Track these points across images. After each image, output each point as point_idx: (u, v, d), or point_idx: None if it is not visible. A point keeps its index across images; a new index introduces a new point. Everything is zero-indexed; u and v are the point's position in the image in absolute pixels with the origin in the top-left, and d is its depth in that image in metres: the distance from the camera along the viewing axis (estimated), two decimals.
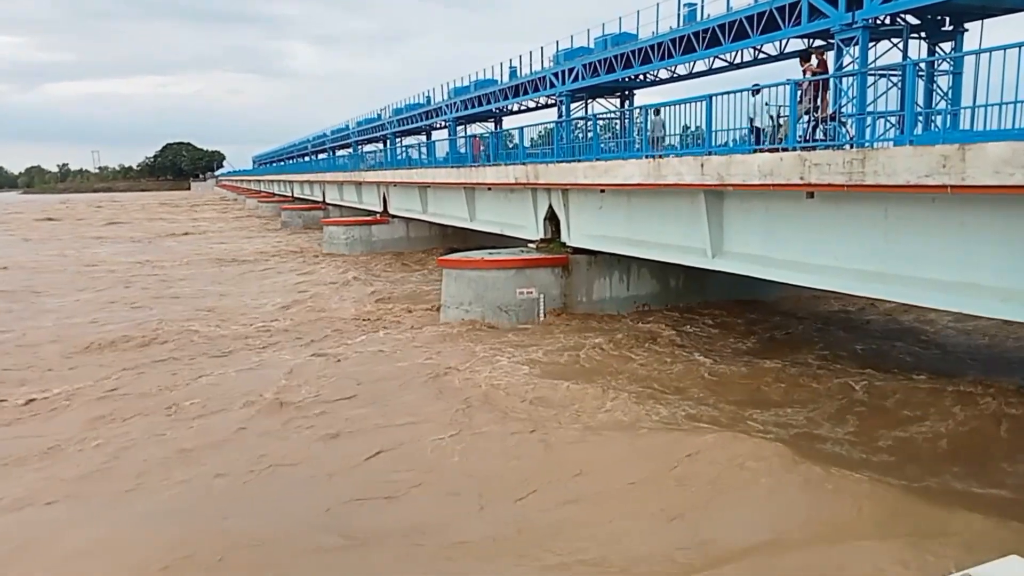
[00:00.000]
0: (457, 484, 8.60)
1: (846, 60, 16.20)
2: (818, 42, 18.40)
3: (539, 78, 31.97)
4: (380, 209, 35.27)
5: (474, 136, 26.77)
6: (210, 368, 13.93)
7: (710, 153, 11.70)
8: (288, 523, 7.75)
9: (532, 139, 21.12)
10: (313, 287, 23.81)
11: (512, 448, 9.61)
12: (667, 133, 13.94)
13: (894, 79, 12.58)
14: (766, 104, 11.54)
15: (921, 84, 15.19)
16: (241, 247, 37.85)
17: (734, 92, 11.51)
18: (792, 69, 16.56)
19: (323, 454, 9.69)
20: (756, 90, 11.62)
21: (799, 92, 10.75)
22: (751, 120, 11.77)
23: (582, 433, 9.92)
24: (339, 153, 64.88)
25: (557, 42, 30.79)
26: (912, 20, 16.53)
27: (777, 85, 11.13)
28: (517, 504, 8.04)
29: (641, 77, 27.58)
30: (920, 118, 12.77)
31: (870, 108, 13.14)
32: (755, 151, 11.07)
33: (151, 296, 22.56)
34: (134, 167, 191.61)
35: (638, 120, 16.21)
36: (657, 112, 14.24)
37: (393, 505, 8.16)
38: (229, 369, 13.82)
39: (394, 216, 33.89)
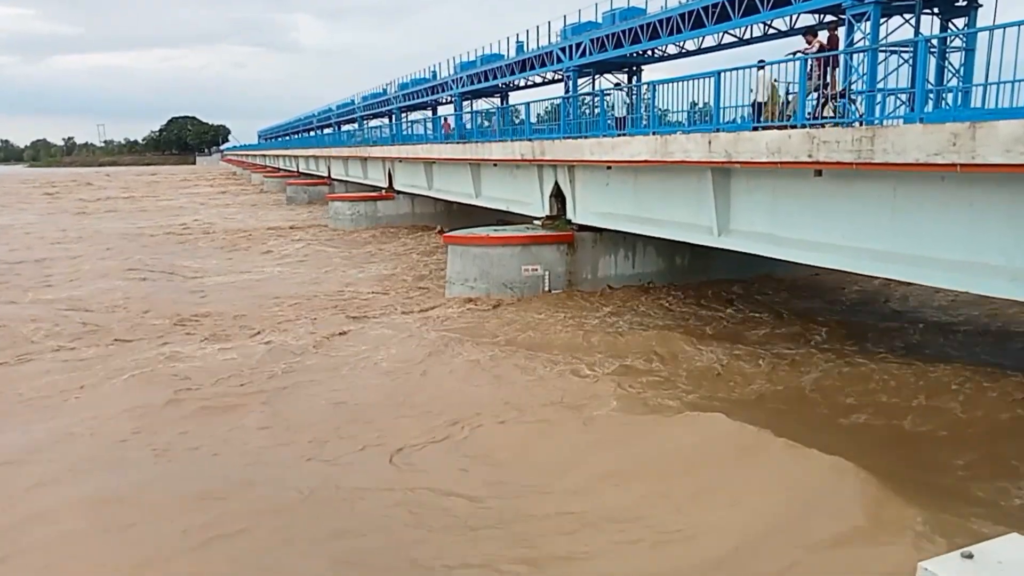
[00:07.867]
0: None
1: (857, 36, 16.02)
2: (829, 17, 18.20)
3: (546, 53, 31.65)
4: (385, 185, 35.17)
5: (444, 117, 26.83)
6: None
7: (718, 130, 11.62)
8: None
9: (539, 115, 20.99)
10: (316, 262, 23.87)
11: None
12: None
13: (905, 56, 12.46)
14: (775, 80, 11.42)
15: (933, 61, 15.02)
16: (247, 222, 37.89)
17: (742, 68, 11.41)
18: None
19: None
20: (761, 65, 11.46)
21: (808, 68, 10.63)
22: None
23: None
24: (344, 128, 64.63)
25: (564, 16, 30.43)
26: None
27: (785, 61, 11.03)
28: None
29: (649, 52, 27.34)
30: (931, 96, 12.64)
31: (880, 85, 13.01)
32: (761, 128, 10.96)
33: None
34: (139, 141, 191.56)
35: (646, 96, 16.06)
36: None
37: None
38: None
39: (399, 192, 33.80)
